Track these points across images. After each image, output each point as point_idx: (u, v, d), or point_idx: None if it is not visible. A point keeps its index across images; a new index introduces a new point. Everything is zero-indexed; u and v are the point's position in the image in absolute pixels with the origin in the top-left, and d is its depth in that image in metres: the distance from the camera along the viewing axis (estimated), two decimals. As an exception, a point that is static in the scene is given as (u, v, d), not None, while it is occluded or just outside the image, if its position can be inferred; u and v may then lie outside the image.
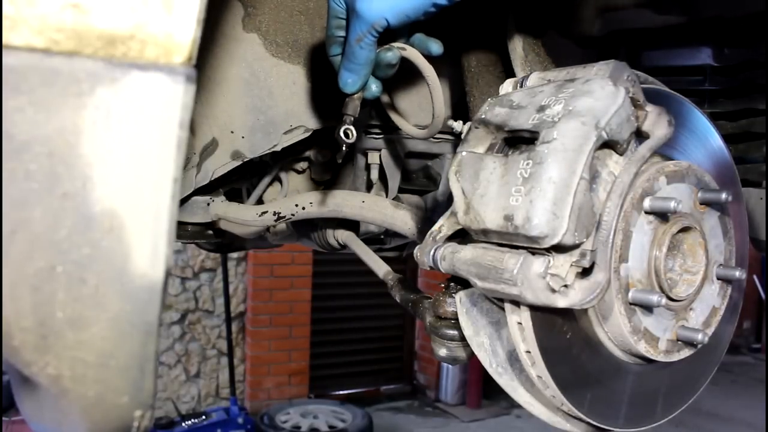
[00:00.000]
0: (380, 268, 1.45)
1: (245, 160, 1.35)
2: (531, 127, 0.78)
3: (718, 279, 0.93)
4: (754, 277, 9.38)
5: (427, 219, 1.32)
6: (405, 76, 1.46)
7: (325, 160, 1.59)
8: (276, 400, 6.10)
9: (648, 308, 0.84)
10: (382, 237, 1.82)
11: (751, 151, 1.26)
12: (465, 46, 1.25)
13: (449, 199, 0.94)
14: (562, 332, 0.82)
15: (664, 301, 0.81)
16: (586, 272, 0.76)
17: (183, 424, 4.65)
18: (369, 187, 1.64)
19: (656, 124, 0.80)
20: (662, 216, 0.84)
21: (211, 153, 1.33)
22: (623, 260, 0.81)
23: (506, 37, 1.12)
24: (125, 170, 0.54)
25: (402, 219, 1.37)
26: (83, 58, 0.52)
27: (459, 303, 0.92)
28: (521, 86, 0.91)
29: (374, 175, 1.60)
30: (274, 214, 1.49)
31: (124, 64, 0.53)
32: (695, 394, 0.99)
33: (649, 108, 0.80)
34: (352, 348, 7.04)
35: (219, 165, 1.34)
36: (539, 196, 0.72)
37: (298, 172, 1.67)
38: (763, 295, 9.75)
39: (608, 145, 0.77)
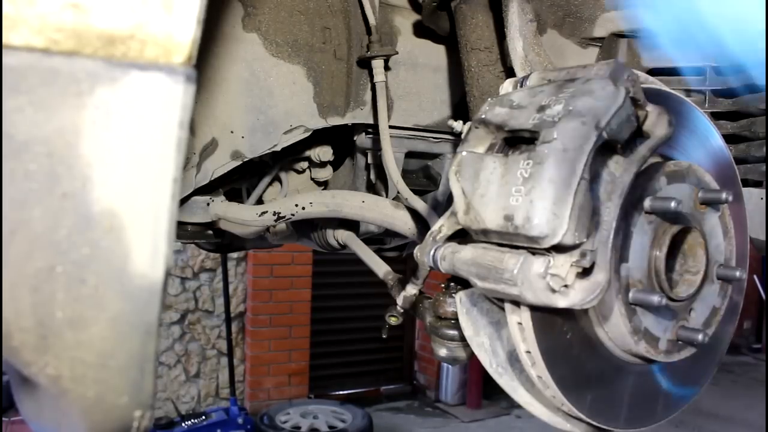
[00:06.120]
0: (380, 268, 1.45)
1: (245, 160, 1.35)
2: (531, 127, 0.78)
3: (718, 279, 0.93)
4: (754, 277, 9.38)
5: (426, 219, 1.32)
6: (405, 76, 1.47)
7: (325, 159, 1.59)
8: (276, 401, 6.10)
9: (648, 308, 0.84)
10: (382, 237, 1.82)
11: (751, 151, 1.26)
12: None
13: (449, 199, 0.94)
14: (562, 332, 0.82)
15: (664, 301, 0.81)
16: (586, 272, 0.76)
17: (183, 425, 4.66)
18: (369, 187, 1.64)
19: (656, 124, 0.80)
20: (662, 216, 0.84)
21: (211, 153, 1.33)
22: (623, 260, 0.81)
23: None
24: (125, 170, 0.53)
25: (402, 219, 1.37)
26: (83, 58, 0.52)
27: (459, 303, 0.92)
28: (521, 86, 0.91)
29: (374, 175, 1.60)
30: (274, 214, 1.49)
31: (124, 63, 0.53)
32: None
33: (650, 108, 0.80)
34: (352, 348, 7.04)
35: (219, 165, 1.34)
36: (539, 196, 0.72)
37: (298, 172, 1.67)
38: (763, 295, 9.75)
39: (608, 145, 0.77)
